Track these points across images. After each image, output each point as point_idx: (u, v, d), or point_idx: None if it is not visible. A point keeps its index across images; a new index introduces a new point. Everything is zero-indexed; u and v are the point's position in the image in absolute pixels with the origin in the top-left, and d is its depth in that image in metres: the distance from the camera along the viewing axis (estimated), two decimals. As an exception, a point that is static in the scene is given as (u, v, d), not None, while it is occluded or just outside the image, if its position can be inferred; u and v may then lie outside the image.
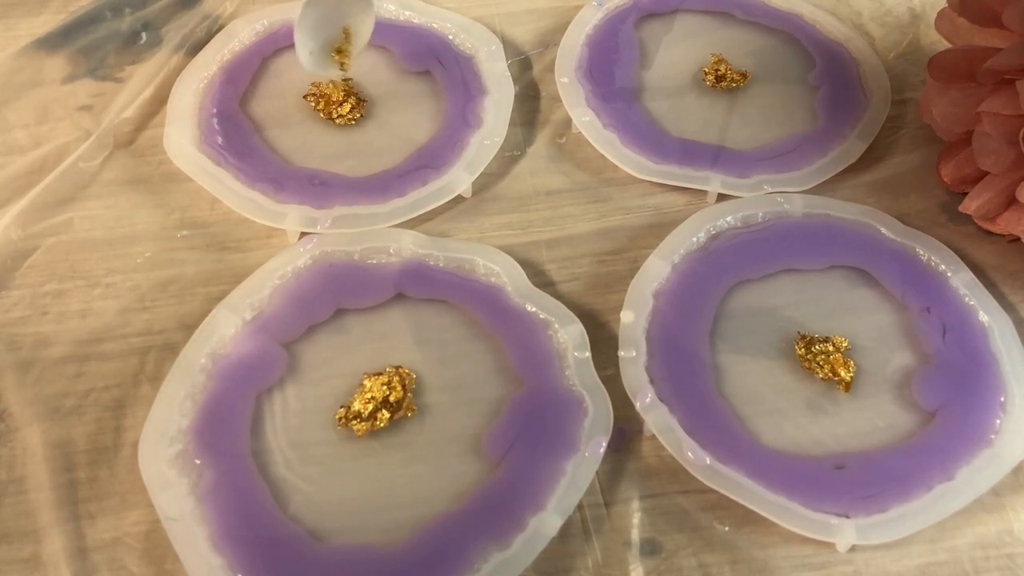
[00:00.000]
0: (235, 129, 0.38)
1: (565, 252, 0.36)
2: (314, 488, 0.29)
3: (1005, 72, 0.33)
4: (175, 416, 0.30)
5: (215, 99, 0.39)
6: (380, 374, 0.31)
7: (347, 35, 0.38)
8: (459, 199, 0.37)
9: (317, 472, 0.30)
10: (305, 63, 0.37)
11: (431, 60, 0.41)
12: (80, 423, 0.31)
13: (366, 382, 0.30)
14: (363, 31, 0.38)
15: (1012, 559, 0.29)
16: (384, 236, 0.35)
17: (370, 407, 0.30)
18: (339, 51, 0.38)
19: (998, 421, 0.30)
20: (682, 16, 0.44)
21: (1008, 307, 0.34)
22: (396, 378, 0.30)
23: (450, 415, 0.31)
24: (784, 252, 0.35)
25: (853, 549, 0.28)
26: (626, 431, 0.31)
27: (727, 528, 0.29)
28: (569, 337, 0.32)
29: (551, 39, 0.43)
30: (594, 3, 0.43)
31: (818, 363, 0.31)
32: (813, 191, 0.37)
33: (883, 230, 0.35)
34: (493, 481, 0.29)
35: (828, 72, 0.41)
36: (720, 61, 0.41)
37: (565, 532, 0.28)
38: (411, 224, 0.36)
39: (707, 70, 0.40)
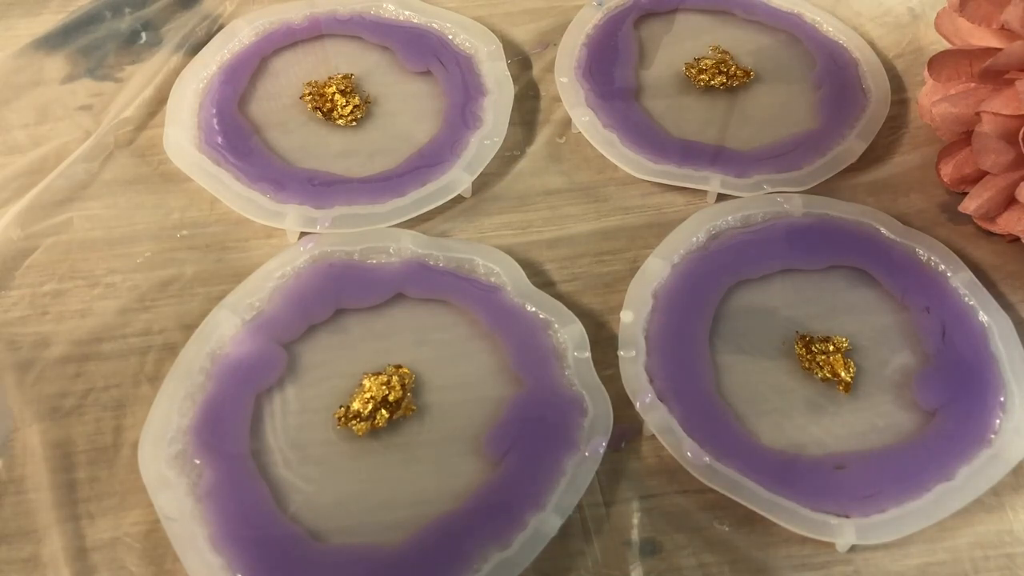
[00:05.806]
0: (235, 129, 0.38)
1: (565, 252, 0.36)
2: (314, 488, 0.29)
3: (1005, 72, 0.33)
4: (175, 416, 0.30)
5: (215, 99, 0.39)
6: (379, 374, 0.31)
7: None
8: (459, 199, 0.37)
9: (317, 472, 0.30)
10: None
11: (431, 60, 0.41)
12: (80, 423, 0.31)
13: (365, 382, 0.30)
14: None
15: (1012, 559, 0.28)
16: (384, 236, 0.35)
17: (369, 407, 0.30)
18: None
19: (998, 421, 0.30)
20: (682, 15, 0.44)
21: (1008, 307, 0.34)
22: (395, 378, 0.30)
23: (450, 415, 0.31)
24: (784, 252, 0.35)
25: (853, 549, 0.28)
26: (626, 431, 0.31)
27: (727, 528, 0.29)
28: (569, 337, 0.32)
29: (551, 39, 0.43)
30: (594, 3, 0.43)
31: (818, 363, 0.31)
32: (813, 191, 0.37)
33: (883, 230, 0.35)
34: (493, 481, 0.29)
35: (828, 72, 0.41)
36: (724, 59, 0.41)
37: (565, 532, 0.28)
38: (411, 224, 0.36)
39: (693, 66, 0.40)
